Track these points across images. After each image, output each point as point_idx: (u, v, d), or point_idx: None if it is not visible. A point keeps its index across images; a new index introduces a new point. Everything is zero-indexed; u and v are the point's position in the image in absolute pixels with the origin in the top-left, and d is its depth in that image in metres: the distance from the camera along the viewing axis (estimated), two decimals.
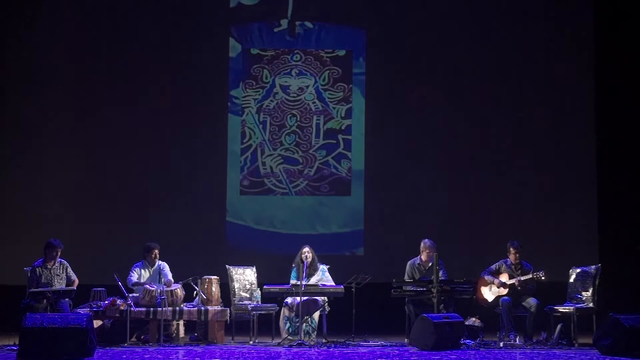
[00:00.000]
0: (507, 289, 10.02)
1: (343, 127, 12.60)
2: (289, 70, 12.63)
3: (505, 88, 12.62)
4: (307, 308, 9.95)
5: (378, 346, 9.59)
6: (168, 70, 12.42)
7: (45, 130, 12.28)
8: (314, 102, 12.61)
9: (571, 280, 10.26)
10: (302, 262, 10.08)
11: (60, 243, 9.90)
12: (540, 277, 9.87)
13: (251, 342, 9.93)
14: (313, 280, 10.07)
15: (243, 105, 12.57)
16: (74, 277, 9.97)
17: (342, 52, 12.69)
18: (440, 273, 9.95)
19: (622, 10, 12.59)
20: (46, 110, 12.30)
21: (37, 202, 12.13)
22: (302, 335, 9.74)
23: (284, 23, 12.62)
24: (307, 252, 10.21)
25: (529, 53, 12.64)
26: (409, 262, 10.36)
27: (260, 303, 10.29)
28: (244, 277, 10.53)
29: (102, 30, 12.41)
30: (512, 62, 12.63)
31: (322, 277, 10.20)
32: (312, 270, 10.20)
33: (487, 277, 10.17)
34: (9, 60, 12.34)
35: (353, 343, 9.76)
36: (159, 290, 9.75)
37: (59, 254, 9.89)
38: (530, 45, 12.65)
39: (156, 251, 10.22)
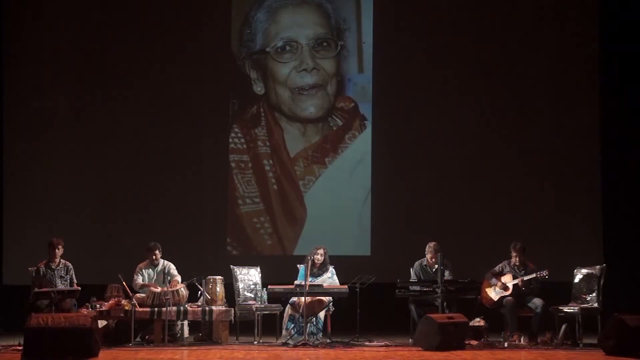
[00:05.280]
0: (510, 290, 10.01)
1: None
2: None
3: (508, 88, 12.58)
4: (313, 308, 9.95)
5: (382, 346, 9.58)
6: (171, 70, 12.42)
7: (48, 132, 12.29)
8: None
9: (576, 280, 10.25)
10: (310, 260, 10.07)
11: (60, 240, 9.93)
12: (544, 276, 9.87)
13: (255, 342, 9.93)
14: (320, 280, 10.05)
15: None
16: (75, 281, 9.98)
17: None
18: (447, 274, 9.98)
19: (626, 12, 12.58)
20: (50, 113, 12.30)
21: (41, 203, 12.15)
22: (307, 335, 9.74)
23: None
24: (320, 253, 10.17)
25: (534, 53, 12.60)
26: (415, 263, 10.38)
27: (264, 303, 10.29)
28: (248, 277, 10.54)
29: (106, 33, 12.40)
30: (516, 62, 12.59)
31: (332, 278, 10.18)
32: (322, 270, 10.19)
33: (491, 280, 10.18)
34: (14, 58, 12.35)
35: (357, 343, 9.76)
36: (163, 291, 9.78)
37: (61, 250, 9.91)
38: (534, 45, 12.60)
39: (157, 251, 10.25)
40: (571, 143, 12.55)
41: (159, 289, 9.91)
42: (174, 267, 10.29)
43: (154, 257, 10.23)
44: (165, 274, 10.11)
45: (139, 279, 10.17)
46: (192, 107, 12.43)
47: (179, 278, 10.16)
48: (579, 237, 12.31)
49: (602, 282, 10.02)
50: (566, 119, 12.57)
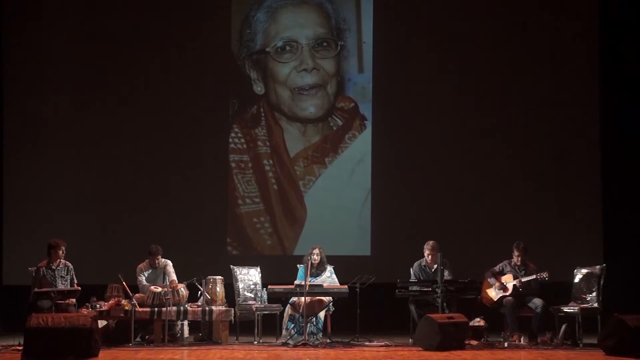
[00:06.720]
0: (510, 290, 10.01)
1: None
2: None
3: (509, 88, 12.59)
4: (313, 308, 9.95)
5: (382, 346, 9.58)
6: (171, 70, 12.43)
7: (48, 132, 12.29)
8: None
9: (576, 280, 10.25)
10: (309, 261, 10.07)
11: (63, 241, 9.91)
12: (544, 278, 9.87)
13: (255, 342, 9.93)
14: (320, 280, 10.06)
15: None
16: (75, 281, 9.97)
17: None
18: (446, 273, 9.98)
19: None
20: (50, 113, 12.30)
21: (41, 203, 12.15)
22: (307, 335, 9.74)
23: None
24: (316, 253, 10.19)
25: (535, 53, 12.60)
26: (414, 264, 10.38)
27: (264, 303, 10.29)
28: (248, 277, 10.54)
29: (106, 34, 12.37)
30: (517, 63, 12.61)
31: (331, 277, 10.19)
32: (320, 270, 10.20)
33: (489, 279, 10.18)
34: (14, 60, 12.35)
35: (357, 343, 9.75)
36: (163, 291, 9.78)
37: (64, 251, 9.90)
38: (535, 45, 12.61)
39: (159, 256, 10.23)
40: (571, 143, 12.56)
41: (159, 289, 9.91)
42: (171, 264, 10.28)
43: (156, 261, 10.23)
44: (164, 273, 10.14)
45: (143, 280, 10.17)
46: (192, 107, 12.43)
47: (174, 277, 10.14)
48: (579, 237, 12.31)
49: (602, 282, 10.02)
50: (566, 119, 12.57)
